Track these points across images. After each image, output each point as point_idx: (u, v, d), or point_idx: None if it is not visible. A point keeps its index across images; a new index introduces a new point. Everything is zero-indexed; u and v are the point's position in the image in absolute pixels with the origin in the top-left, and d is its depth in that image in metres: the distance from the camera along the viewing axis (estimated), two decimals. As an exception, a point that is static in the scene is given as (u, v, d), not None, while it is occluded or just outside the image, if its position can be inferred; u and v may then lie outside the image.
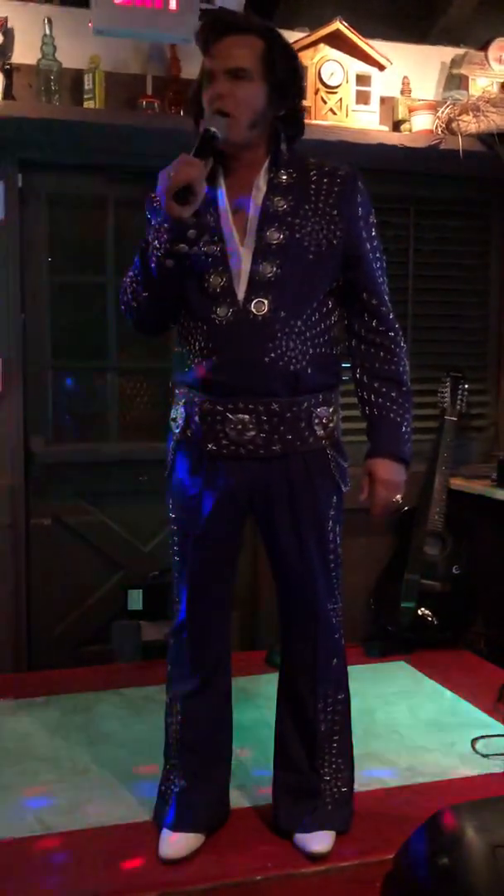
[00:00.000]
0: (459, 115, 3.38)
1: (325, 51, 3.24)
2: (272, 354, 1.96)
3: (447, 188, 3.72)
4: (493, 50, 3.53)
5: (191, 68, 3.08)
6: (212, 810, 2.19)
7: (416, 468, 3.00)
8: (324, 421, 2.04)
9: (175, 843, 2.10)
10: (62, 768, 2.55)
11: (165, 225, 1.89)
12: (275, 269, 1.96)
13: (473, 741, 2.71)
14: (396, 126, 3.46)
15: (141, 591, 3.41)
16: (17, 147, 3.17)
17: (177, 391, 2.12)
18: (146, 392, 3.57)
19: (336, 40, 3.23)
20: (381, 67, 3.30)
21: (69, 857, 2.10)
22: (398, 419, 2.10)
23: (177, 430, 2.10)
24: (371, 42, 3.27)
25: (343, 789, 2.20)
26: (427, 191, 3.70)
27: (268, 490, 2.03)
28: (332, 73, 3.24)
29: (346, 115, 3.28)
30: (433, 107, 3.43)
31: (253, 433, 1.99)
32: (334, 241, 2.00)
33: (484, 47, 3.54)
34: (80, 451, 3.47)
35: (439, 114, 3.42)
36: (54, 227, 3.37)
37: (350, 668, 2.23)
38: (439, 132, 3.41)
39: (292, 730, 2.19)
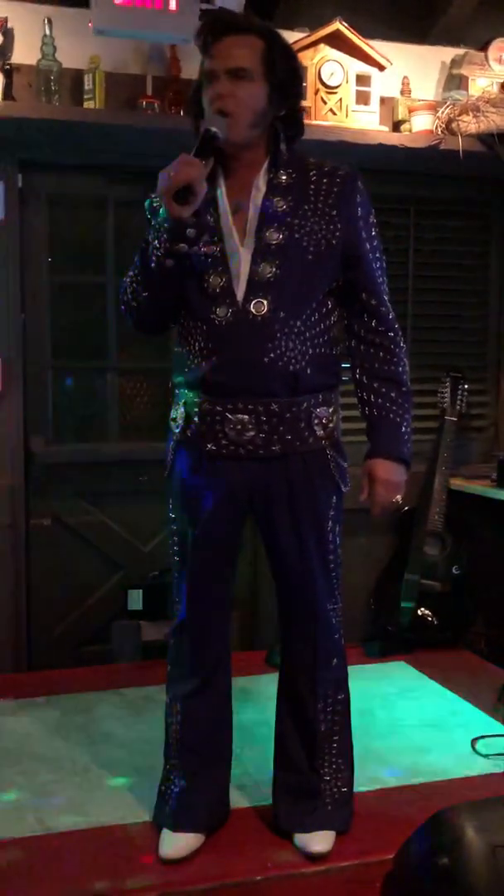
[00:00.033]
0: (459, 115, 3.38)
1: (325, 51, 3.24)
2: (271, 355, 1.96)
3: (447, 188, 3.71)
4: (493, 50, 3.53)
5: (191, 68, 3.08)
6: (212, 810, 2.19)
7: (416, 468, 3.00)
8: (323, 421, 2.04)
9: (175, 843, 2.10)
10: (62, 768, 2.55)
11: (165, 225, 1.89)
12: (274, 269, 1.96)
13: (473, 741, 2.71)
14: (396, 126, 3.46)
15: (141, 591, 3.41)
16: (17, 147, 3.17)
17: (176, 391, 2.12)
18: (146, 392, 3.57)
19: (336, 40, 3.23)
20: (381, 68, 3.31)
21: (69, 857, 2.10)
22: (398, 419, 2.10)
23: (176, 430, 2.10)
24: (371, 42, 3.27)
25: (343, 789, 2.20)
26: (427, 191, 3.70)
27: (267, 490, 2.03)
28: (332, 74, 3.24)
29: (346, 116, 3.28)
30: (433, 107, 3.43)
31: (252, 433, 1.99)
32: (334, 242, 1.99)
33: (484, 47, 3.54)
34: (80, 451, 3.47)
35: (439, 114, 3.42)
36: (54, 227, 3.37)
37: (350, 668, 2.23)
38: (439, 132, 3.41)
39: (292, 730, 2.19)
